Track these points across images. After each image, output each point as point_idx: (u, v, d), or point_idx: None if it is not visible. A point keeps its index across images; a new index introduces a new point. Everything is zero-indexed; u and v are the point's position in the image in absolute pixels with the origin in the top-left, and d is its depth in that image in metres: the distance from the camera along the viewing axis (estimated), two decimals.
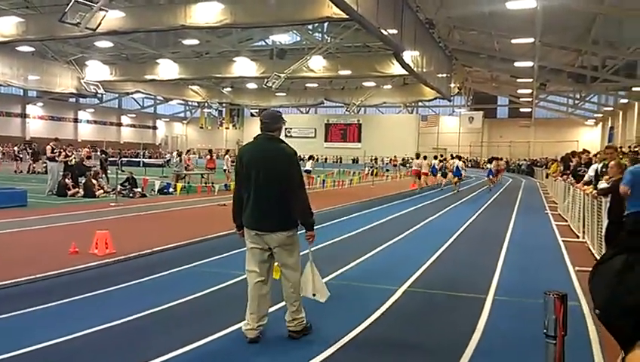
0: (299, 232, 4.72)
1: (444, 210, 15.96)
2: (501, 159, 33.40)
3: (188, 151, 30.87)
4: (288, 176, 4.58)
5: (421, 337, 4.97)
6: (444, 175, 26.73)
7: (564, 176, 15.32)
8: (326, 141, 64.64)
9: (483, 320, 5.38)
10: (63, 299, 5.75)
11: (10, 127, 52.93)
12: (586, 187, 10.23)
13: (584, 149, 17.87)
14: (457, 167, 25.12)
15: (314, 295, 4.76)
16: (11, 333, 4.73)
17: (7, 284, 6.19)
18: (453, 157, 28.72)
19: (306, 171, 25.87)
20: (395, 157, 49.68)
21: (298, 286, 4.71)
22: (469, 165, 47.71)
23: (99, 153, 28.60)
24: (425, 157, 26.82)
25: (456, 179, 24.94)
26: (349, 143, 63.30)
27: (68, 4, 18.25)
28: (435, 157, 29.99)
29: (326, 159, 59.44)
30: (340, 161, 58.70)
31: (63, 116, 58.71)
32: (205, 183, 21.19)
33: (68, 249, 7.85)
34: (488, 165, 27.72)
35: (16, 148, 32.31)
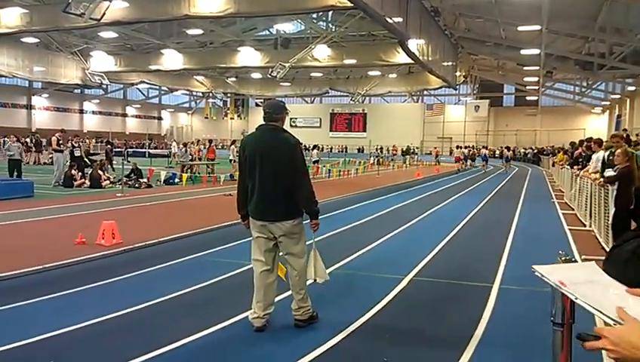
0: (304, 221, 4.72)
1: (450, 199, 15.92)
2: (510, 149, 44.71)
3: (198, 141, 30.94)
4: (292, 165, 4.56)
5: (427, 326, 4.97)
6: (473, 160, 37.51)
7: (576, 167, 15.09)
8: (331, 131, 64.64)
9: (489, 308, 5.38)
10: (71, 288, 5.78)
11: (16, 118, 53.08)
12: (594, 175, 10.17)
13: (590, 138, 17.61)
14: (485, 154, 36.08)
15: (315, 280, 4.85)
16: (20, 323, 4.77)
17: (15, 274, 6.23)
18: (480, 148, 40.81)
19: (315, 162, 25.98)
20: (394, 146, 49.32)
21: (304, 274, 4.72)
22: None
23: (104, 144, 28.66)
24: (461, 147, 39.87)
25: (483, 163, 35.12)
26: (355, 133, 63.28)
27: None
28: (466, 147, 40.83)
29: (331, 149, 59.41)
30: (346, 151, 58.65)
31: (68, 107, 58.82)
32: (209, 173, 21.25)
33: (75, 239, 7.89)
34: (508, 153, 37.49)
35: (28, 140, 32.35)
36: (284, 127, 4.79)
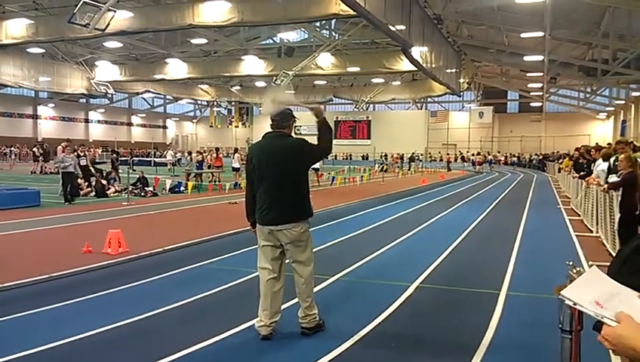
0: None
1: (455, 206, 15.89)
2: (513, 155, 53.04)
3: (211, 150, 30.93)
4: (302, 161, 4.67)
5: (434, 333, 4.96)
6: (491, 163, 45.19)
7: (582, 173, 15.01)
8: (335, 138, 64.40)
9: (496, 315, 5.35)
10: (77, 297, 5.79)
11: (22, 128, 53.43)
12: (597, 179, 10.16)
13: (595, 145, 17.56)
14: (491, 159, 46.61)
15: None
16: (25, 332, 4.78)
17: (22, 283, 6.25)
18: (488, 154, 49.74)
19: (314, 170, 25.93)
20: (394, 155, 48.45)
21: (311, 281, 4.72)
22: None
23: (110, 153, 28.67)
24: (479, 154, 48.68)
25: (491, 166, 44.65)
26: (359, 140, 63.25)
27: (76, 6, 18.38)
28: (478, 154, 48.81)
29: (336, 156, 59.36)
30: (350, 158, 58.60)
31: (74, 117, 59.20)
32: (215, 182, 21.31)
33: (81, 248, 7.92)
34: (514, 158, 49.89)
35: (35, 150, 32.49)
36: (291, 134, 4.82)
